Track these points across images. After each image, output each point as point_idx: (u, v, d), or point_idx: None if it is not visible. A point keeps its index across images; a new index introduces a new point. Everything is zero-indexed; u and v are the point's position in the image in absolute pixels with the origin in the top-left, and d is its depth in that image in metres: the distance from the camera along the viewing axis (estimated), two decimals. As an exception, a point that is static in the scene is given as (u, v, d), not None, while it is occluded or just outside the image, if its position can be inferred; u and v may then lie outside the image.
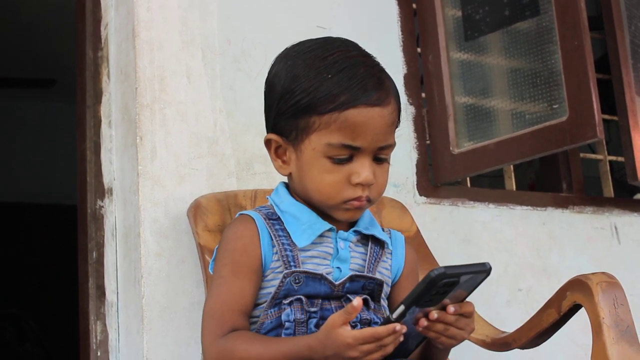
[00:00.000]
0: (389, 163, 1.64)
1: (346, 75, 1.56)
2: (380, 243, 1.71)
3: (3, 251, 6.68)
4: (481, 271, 1.44)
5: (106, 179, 2.29)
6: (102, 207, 2.28)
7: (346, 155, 1.57)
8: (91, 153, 2.32)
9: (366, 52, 1.65)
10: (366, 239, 1.70)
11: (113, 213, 2.26)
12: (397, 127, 1.64)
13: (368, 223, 1.70)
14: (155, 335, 2.04)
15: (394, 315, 1.41)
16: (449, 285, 1.41)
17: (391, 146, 1.62)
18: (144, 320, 2.04)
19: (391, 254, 1.74)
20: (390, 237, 1.76)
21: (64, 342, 4.97)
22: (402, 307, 1.41)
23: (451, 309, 1.46)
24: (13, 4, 5.34)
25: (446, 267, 1.38)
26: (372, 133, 1.56)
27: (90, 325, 2.22)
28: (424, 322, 1.46)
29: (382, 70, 1.63)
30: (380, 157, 1.61)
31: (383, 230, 1.75)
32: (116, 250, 2.23)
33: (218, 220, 1.99)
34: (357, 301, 1.39)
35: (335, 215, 1.63)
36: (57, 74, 5.88)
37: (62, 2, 5.10)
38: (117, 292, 2.21)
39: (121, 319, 2.19)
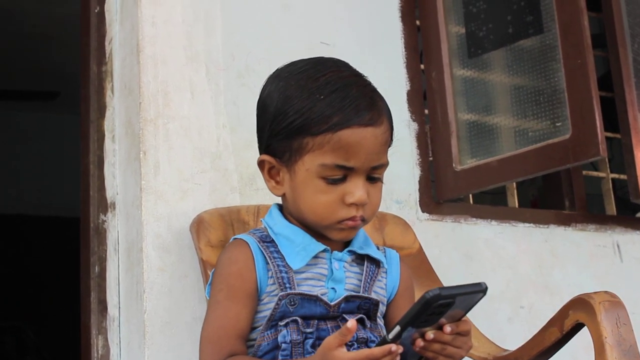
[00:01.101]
0: (382, 182, 1.64)
1: (339, 95, 1.56)
2: (375, 262, 1.70)
3: (4, 263, 6.68)
4: (477, 291, 1.43)
5: (109, 193, 2.29)
6: (105, 221, 2.28)
7: (340, 175, 1.57)
8: (94, 167, 2.32)
9: (358, 72, 1.65)
10: (361, 258, 1.69)
11: (116, 227, 2.26)
12: (389, 146, 1.64)
13: (362, 242, 1.69)
14: (156, 350, 2.04)
15: (390, 336, 1.41)
16: (444, 306, 1.40)
17: (384, 165, 1.62)
18: (146, 335, 2.04)
19: (386, 272, 1.73)
20: (385, 256, 1.75)
21: (64, 355, 4.97)
22: (397, 328, 1.41)
23: (447, 328, 1.46)
24: (16, 15, 5.35)
25: (441, 289, 1.37)
26: (366, 153, 1.56)
27: (92, 339, 2.22)
28: (420, 342, 1.45)
29: (374, 90, 1.63)
30: (373, 176, 1.60)
31: (378, 248, 1.75)
32: (118, 265, 2.23)
33: (221, 235, 1.99)
34: (351, 323, 1.38)
35: (330, 235, 1.63)
36: (61, 85, 5.89)
37: (66, 15, 5.12)
38: (119, 307, 2.21)
39: (123, 334, 2.19)
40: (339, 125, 1.54)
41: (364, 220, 1.61)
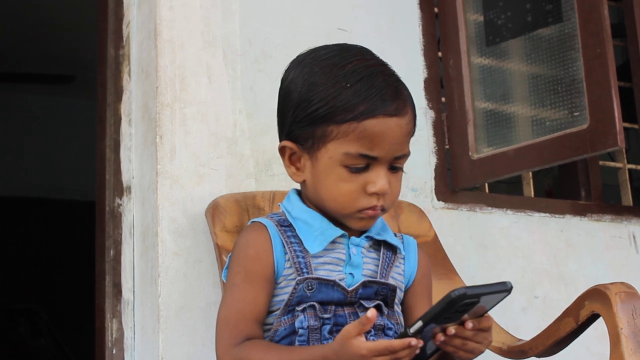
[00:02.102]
0: (403, 171, 1.64)
1: (365, 84, 1.55)
2: (392, 248, 1.70)
3: (20, 246, 6.70)
4: (502, 290, 1.42)
5: (125, 177, 2.30)
6: (121, 205, 2.28)
7: (363, 164, 1.57)
8: (110, 151, 2.33)
9: (383, 60, 1.64)
10: (378, 244, 1.69)
11: (131, 211, 2.26)
12: (412, 135, 1.64)
13: (380, 228, 1.69)
14: (171, 334, 2.05)
15: (411, 330, 1.41)
16: (468, 305, 1.40)
17: (406, 155, 1.62)
18: (160, 319, 2.04)
19: (404, 259, 1.73)
20: (402, 242, 1.75)
21: (78, 338, 4.99)
22: (420, 323, 1.41)
23: (469, 324, 1.45)
24: (33, -1, 5.36)
25: (467, 288, 1.37)
26: (390, 143, 1.56)
27: (106, 322, 2.22)
28: (441, 337, 1.45)
29: (398, 80, 1.62)
30: (395, 166, 1.60)
31: (395, 235, 1.74)
32: (133, 249, 2.24)
33: (236, 221, 1.99)
34: (371, 312, 1.37)
35: (349, 224, 1.63)
36: (77, 70, 5.90)
37: (83, -2, 5.12)
38: (134, 291, 2.22)
39: (137, 318, 2.20)
40: (365, 115, 1.54)
41: (383, 210, 1.61)
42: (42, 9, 5.47)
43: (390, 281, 1.66)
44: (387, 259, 1.68)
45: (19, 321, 6.09)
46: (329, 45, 1.66)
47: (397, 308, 1.68)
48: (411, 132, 1.62)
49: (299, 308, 1.58)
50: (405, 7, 2.65)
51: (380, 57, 1.66)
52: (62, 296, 6.47)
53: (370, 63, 1.60)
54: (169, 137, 2.15)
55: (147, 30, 2.27)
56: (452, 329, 1.45)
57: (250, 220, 1.71)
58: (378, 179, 1.57)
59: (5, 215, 6.69)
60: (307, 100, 1.58)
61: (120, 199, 2.29)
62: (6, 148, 6.81)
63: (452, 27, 2.65)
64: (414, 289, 1.73)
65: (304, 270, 1.59)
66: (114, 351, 2.21)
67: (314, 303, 1.57)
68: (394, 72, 1.63)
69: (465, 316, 1.45)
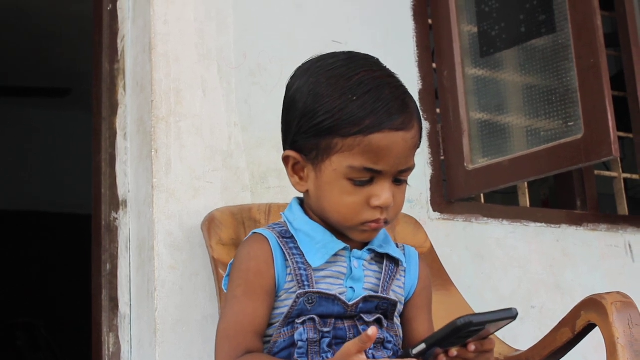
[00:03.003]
0: (407, 184, 1.62)
1: (371, 97, 1.53)
2: (394, 261, 1.69)
3: (17, 260, 6.69)
4: (508, 317, 1.42)
5: (121, 191, 2.30)
6: (117, 219, 2.29)
7: (367, 177, 1.55)
8: (106, 165, 2.33)
9: (390, 71, 1.62)
10: (380, 257, 1.67)
11: (127, 225, 2.26)
12: (418, 147, 1.62)
13: (382, 240, 1.68)
14: (167, 348, 2.04)
15: (414, 352, 1.41)
16: (473, 332, 1.40)
17: (411, 169, 1.60)
18: (157, 332, 2.04)
19: (405, 271, 1.72)
20: (404, 254, 1.74)
21: (76, 352, 4.98)
22: (423, 346, 1.41)
23: (472, 347, 1.45)
24: (28, 12, 5.36)
25: (473, 316, 1.36)
26: (395, 157, 1.54)
27: (103, 337, 2.22)
28: (443, 358, 1.45)
29: (406, 92, 1.59)
30: (400, 179, 1.59)
31: (397, 245, 1.74)
32: (130, 263, 2.24)
33: (232, 234, 1.99)
34: (372, 330, 1.35)
35: (352, 236, 1.62)
36: (72, 83, 5.90)
37: (78, 11, 5.13)
38: (130, 305, 2.22)
39: (134, 332, 2.20)
40: (371, 129, 1.52)
41: (387, 222, 1.59)
42: (37, 23, 5.48)
43: (392, 295, 1.65)
44: (389, 272, 1.67)
45: (17, 335, 6.08)
46: (336, 53, 1.63)
47: (397, 320, 1.67)
48: (417, 145, 1.60)
49: (299, 321, 1.57)
50: (399, 19, 2.66)
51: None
52: (60, 310, 6.46)
53: (377, 75, 1.57)
54: (165, 151, 2.16)
55: (142, 44, 2.28)
56: (454, 351, 1.45)
57: (252, 232, 1.69)
58: (382, 192, 1.55)
59: (2, 229, 6.68)
60: (313, 112, 1.56)
61: (116, 213, 2.29)
62: (5, 162, 6.81)
63: (446, 39, 2.65)
64: (414, 301, 1.72)
65: (305, 283, 1.58)
66: (111, 365, 2.21)
67: (314, 316, 1.56)
68: (401, 83, 1.61)
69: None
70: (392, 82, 1.58)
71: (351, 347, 1.38)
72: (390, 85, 1.56)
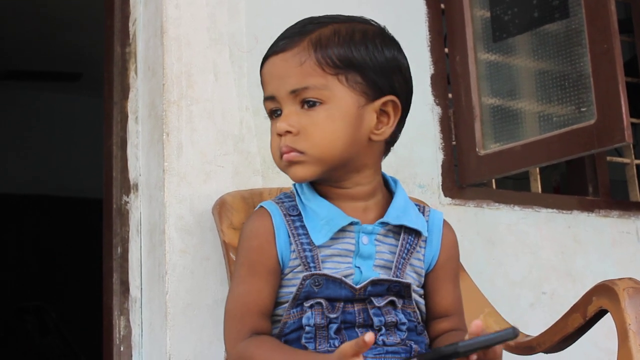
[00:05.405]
0: (327, 107, 1.52)
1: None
2: (414, 232, 1.61)
3: (27, 243, 6.72)
4: (508, 338, 1.39)
5: (132, 175, 2.30)
6: (128, 202, 2.29)
7: (273, 108, 1.57)
8: (117, 148, 2.33)
9: (366, 19, 1.69)
10: (399, 228, 1.60)
11: (138, 209, 2.26)
12: (322, 64, 1.53)
13: (401, 210, 1.60)
14: (178, 331, 2.05)
15: None
16: (474, 352, 1.38)
17: (308, 87, 1.52)
18: (168, 316, 2.05)
19: (425, 241, 1.63)
20: (428, 220, 1.65)
21: (86, 335, 5.00)
22: None
23: (474, 356, 1.38)
24: (40, -3, 5.37)
25: (474, 340, 1.33)
26: (277, 78, 1.55)
27: (114, 320, 2.23)
28: None
29: (313, 18, 1.62)
30: (308, 100, 1.52)
31: (423, 210, 1.66)
32: (141, 246, 2.24)
33: (243, 218, 1.99)
34: (369, 337, 1.29)
35: (288, 175, 1.58)
36: (83, 67, 5.91)
37: (89, -4, 5.13)
38: (141, 288, 2.22)
39: (145, 315, 2.20)
40: (263, 61, 1.60)
41: (302, 153, 1.53)
42: (49, 7, 5.48)
43: (408, 270, 1.59)
44: (406, 246, 1.60)
45: (27, 318, 6.11)
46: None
47: (415, 295, 1.60)
48: (307, 61, 1.53)
49: (307, 304, 1.54)
50: (411, 3, 2.65)
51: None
52: (70, 293, 6.49)
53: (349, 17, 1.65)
54: (176, 135, 2.15)
55: (154, 27, 2.27)
56: None
57: (259, 204, 1.65)
58: (280, 119, 1.55)
59: (13, 213, 6.71)
60: None
61: (128, 197, 2.29)
62: (15, 146, 6.83)
63: (458, 23, 2.64)
64: (436, 273, 1.65)
65: (311, 265, 1.54)
66: (122, 348, 2.21)
67: (321, 300, 1.53)
68: (335, 17, 1.64)
69: None
70: (319, 17, 1.64)
71: (347, 349, 1.33)
72: (312, 18, 1.63)
